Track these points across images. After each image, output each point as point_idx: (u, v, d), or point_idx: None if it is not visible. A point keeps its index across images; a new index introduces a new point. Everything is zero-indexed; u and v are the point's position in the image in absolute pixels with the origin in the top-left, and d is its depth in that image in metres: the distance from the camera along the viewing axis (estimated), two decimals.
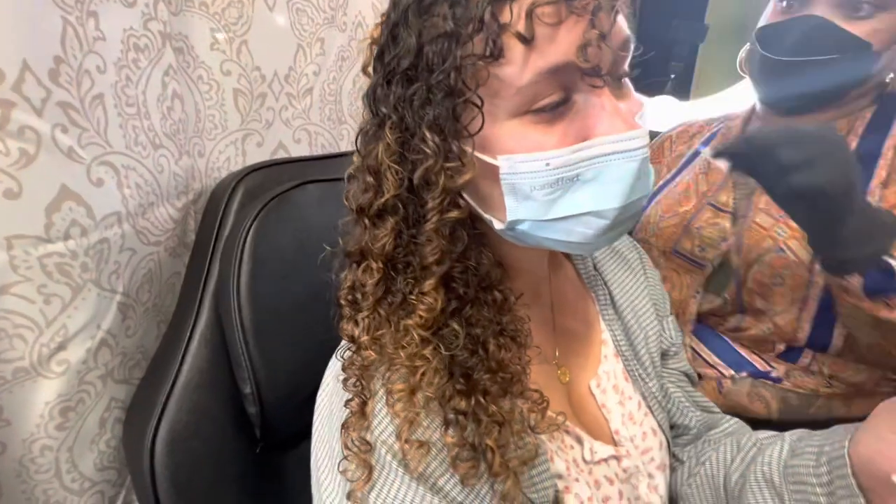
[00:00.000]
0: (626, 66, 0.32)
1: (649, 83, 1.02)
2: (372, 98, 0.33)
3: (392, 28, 0.31)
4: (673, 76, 1.05)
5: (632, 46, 0.31)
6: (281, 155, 0.68)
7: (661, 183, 0.77)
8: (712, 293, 0.67)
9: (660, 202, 0.74)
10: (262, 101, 0.63)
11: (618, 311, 0.48)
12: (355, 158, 0.35)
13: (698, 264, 0.67)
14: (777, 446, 0.41)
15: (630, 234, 0.67)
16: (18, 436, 0.43)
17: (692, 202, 0.69)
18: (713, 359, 0.67)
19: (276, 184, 0.56)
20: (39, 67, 0.37)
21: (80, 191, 0.42)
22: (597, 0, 0.28)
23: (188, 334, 0.50)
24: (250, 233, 0.50)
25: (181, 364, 0.49)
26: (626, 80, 0.33)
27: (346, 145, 0.76)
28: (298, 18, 0.64)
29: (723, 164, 0.50)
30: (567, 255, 0.49)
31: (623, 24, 0.30)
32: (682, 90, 1.16)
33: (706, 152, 0.53)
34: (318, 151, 0.73)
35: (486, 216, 0.34)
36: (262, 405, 0.50)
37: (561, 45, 0.28)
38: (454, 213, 0.31)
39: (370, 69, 0.34)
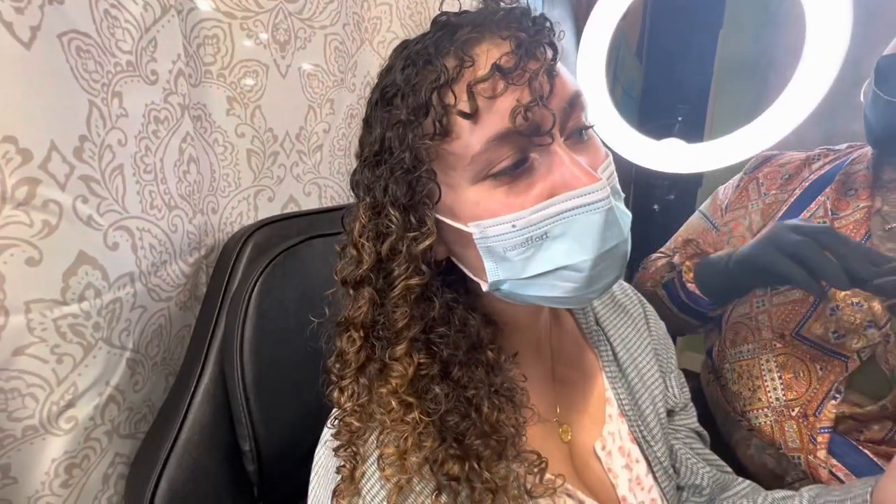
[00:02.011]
0: (583, 119, 0.33)
1: (656, 126, 1.03)
2: (353, 181, 0.36)
3: (366, 119, 0.35)
4: (680, 118, 1.05)
5: (583, 100, 0.33)
6: (292, 208, 0.71)
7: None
8: (863, 395, 0.52)
9: None
10: (274, 159, 0.67)
11: (621, 368, 0.47)
12: (343, 232, 0.37)
13: (837, 356, 0.54)
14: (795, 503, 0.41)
15: (730, 308, 0.59)
16: (24, 494, 0.44)
17: None
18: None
19: (285, 238, 0.58)
20: (65, 146, 0.41)
21: (97, 255, 0.45)
22: (528, 71, 0.30)
23: (193, 389, 0.51)
24: (256, 288, 0.52)
25: (184, 420, 0.50)
26: (591, 132, 0.34)
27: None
28: (309, 82, 0.68)
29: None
30: (568, 309, 0.49)
31: (569, 80, 0.32)
32: (696, 132, 1.16)
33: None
34: (327, 203, 0.76)
35: (475, 279, 0.36)
36: (261, 463, 0.50)
37: (500, 113, 0.30)
38: (416, 280, 0.33)
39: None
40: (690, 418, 0.50)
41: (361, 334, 0.34)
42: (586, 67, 1.01)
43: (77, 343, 0.44)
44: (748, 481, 0.48)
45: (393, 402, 0.33)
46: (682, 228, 0.79)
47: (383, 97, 0.33)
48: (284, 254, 0.55)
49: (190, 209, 0.57)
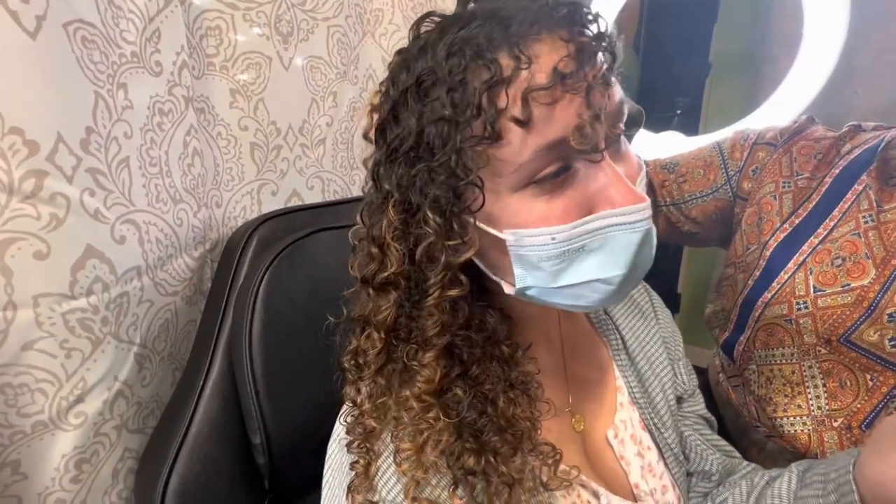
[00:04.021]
0: (622, 127, 0.32)
1: (655, 118, 1.04)
2: (375, 173, 0.33)
3: (393, 106, 0.32)
4: (679, 111, 1.06)
5: (625, 107, 0.32)
6: (295, 202, 0.71)
7: (790, 228, 0.58)
8: None
9: (809, 266, 0.54)
10: (278, 153, 0.66)
11: (631, 357, 0.47)
12: (360, 226, 0.35)
13: (893, 366, 0.50)
14: (785, 478, 0.41)
15: (761, 310, 0.56)
16: (34, 490, 0.43)
17: (869, 273, 0.51)
18: None
19: (289, 232, 0.58)
20: (72, 138, 0.40)
21: (104, 249, 0.44)
22: (586, 79, 0.28)
23: (201, 383, 0.51)
24: (263, 282, 0.51)
25: (193, 414, 0.49)
26: (623, 139, 0.33)
27: (358, 190, 0.78)
28: (312, 75, 0.67)
29: None
30: None
31: (617, 89, 0.31)
32: (691, 125, 1.16)
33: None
34: (330, 197, 0.75)
35: (497, 279, 0.35)
36: (272, 456, 0.50)
37: (557, 123, 0.28)
38: (454, 291, 0.31)
39: (371, 135, 0.35)
40: (698, 405, 0.51)
41: (383, 336, 0.33)
42: None
43: (85, 338, 0.44)
44: (752, 463, 0.49)
45: (414, 405, 0.32)
46: (686, 156, 0.74)
47: (419, 84, 0.30)
48: (291, 247, 0.55)
49: (195, 203, 0.56)
